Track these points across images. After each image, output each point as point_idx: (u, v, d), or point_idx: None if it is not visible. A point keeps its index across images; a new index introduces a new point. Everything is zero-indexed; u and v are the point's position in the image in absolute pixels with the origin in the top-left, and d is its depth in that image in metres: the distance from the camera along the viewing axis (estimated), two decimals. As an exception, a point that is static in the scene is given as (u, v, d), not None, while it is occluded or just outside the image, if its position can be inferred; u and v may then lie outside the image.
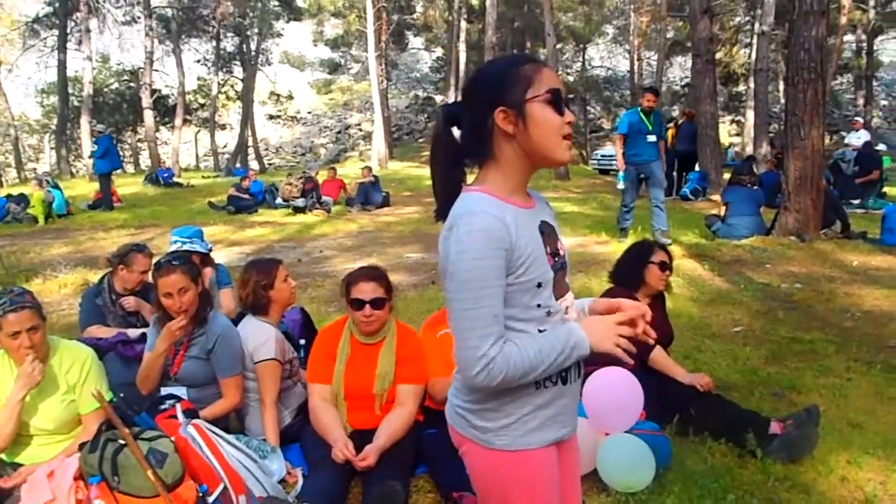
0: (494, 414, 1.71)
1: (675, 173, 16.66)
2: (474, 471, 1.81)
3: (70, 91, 34.71)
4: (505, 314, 1.62)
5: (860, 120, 18.65)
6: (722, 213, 10.56)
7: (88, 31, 29.80)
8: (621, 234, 9.99)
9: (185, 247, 4.92)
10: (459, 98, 1.77)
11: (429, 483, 3.36)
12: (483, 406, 1.72)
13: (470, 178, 1.76)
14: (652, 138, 9.39)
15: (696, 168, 16.85)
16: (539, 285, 1.65)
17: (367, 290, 3.52)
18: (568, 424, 1.80)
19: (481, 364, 1.57)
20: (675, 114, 21.76)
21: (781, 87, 26.98)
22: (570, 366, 1.70)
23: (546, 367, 1.62)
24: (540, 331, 1.67)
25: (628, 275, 4.22)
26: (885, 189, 14.75)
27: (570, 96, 1.78)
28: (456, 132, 1.74)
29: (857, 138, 16.77)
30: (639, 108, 9.63)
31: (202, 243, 5.15)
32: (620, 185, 9.69)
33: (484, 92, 1.69)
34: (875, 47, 35.88)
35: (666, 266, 4.14)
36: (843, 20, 30.11)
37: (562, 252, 1.77)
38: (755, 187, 10.65)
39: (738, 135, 34.22)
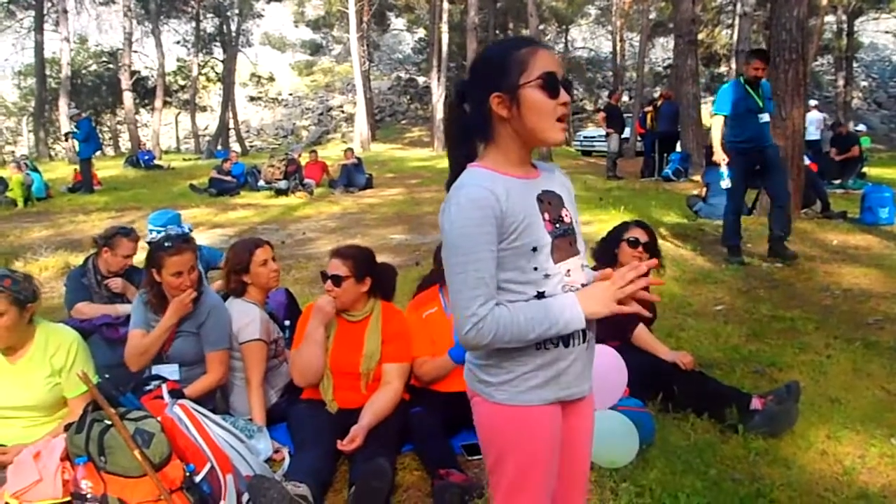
0: (496, 370, 1.81)
1: (655, 154, 16.72)
2: (478, 421, 1.91)
3: (48, 73, 34.22)
4: (503, 277, 1.74)
5: (814, 102, 18.65)
6: (703, 193, 10.62)
7: (66, 11, 29.43)
8: (731, 257, 7.49)
9: (171, 232, 4.93)
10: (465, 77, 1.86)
11: (415, 461, 3.39)
12: (486, 362, 1.83)
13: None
14: (765, 117, 7.20)
15: (678, 149, 16.92)
16: (534, 249, 1.75)
17: (331, 266, 3.59)
18: (572, 387, 1.86)
19: (471, 322, 1.68)
20: (656, 95, 21.75)
21: (763, 67, 27.05)
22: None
23: (539, 333, 1.72)
24: (539, 292, 1.77)
25: (604, 252, 4.24)
26: (865, 169, 14.89)
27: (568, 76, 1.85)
28: (466, 108, 1.84)
29: (809, 122, 16.74)
30: (742, 79, 7.36)
31: (179, 228, 5.15)
32: (726, 183, 7.34)
33: (482, 77, 1.80)
34: (855, 28, 36.07)
35: (637, 243, 4.12)
36: (824, 1, 30.17)
37: (567, 219, 1.85)
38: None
39: (719, 115, 34.28)
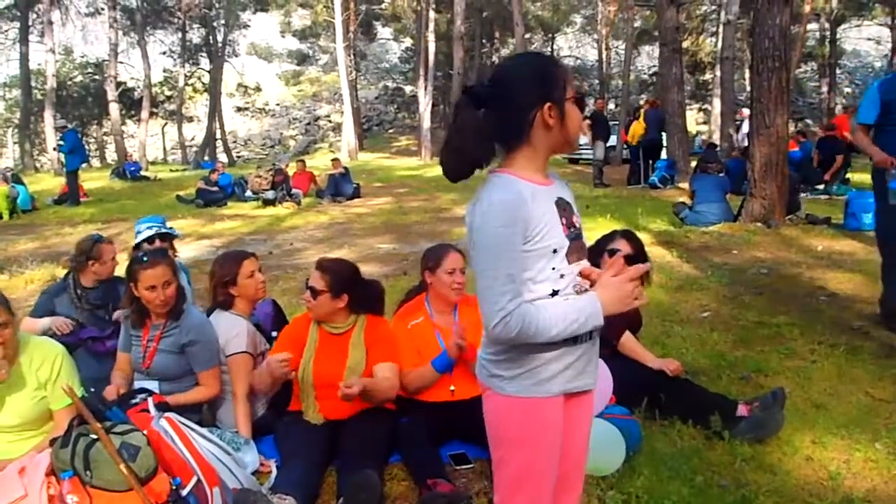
0: (509, 364, 1.94)
1: (640, 162, 16.79)
2: (488, 413, 2.04)
3: (33, 84, 34.15)
4: (523, 276, 1.86)
5: (746, 110, 18.76)
6: (689, 200, 10.68)
7: (51, 22, 29.35)
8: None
9: (162, 230, 4.93)
10: (488, 84, 1.93)
11: (403, 471, 3.38)
12: (500, 357, 1.95)
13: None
14: None
15: (663, 156, 17.00)
16: (555, 251, 1.90)
17: (312, 277, 3.58)
18: (577, 379, 1.99)
19: (499, 316, 1.80)
20: (642, 102, 21.86)
21: (747, 75, 27.25)
22: None
23: (560, 329, 1.84)
24: (554, 290, 1.91)
25: (590, 261, 4.24)
26: (849, 175, 14.98)
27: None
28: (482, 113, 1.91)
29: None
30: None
31: (166, 229, 5.14)
32: None
33: (531, 86, 1.90)
34: (838, 35, 36.42)
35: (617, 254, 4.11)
36: (807, 9, 30.50)
37: (577, 225, 2.01)
38: (721, 174, 10.78)
39: (705, 123, 34.55)
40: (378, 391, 3.44)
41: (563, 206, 1.96)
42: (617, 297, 1.89)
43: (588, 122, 18.06)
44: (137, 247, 4.76)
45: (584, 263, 1.99)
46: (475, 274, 1.87)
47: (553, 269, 1.90)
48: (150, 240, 4.84)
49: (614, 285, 1.90)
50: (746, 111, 18.24)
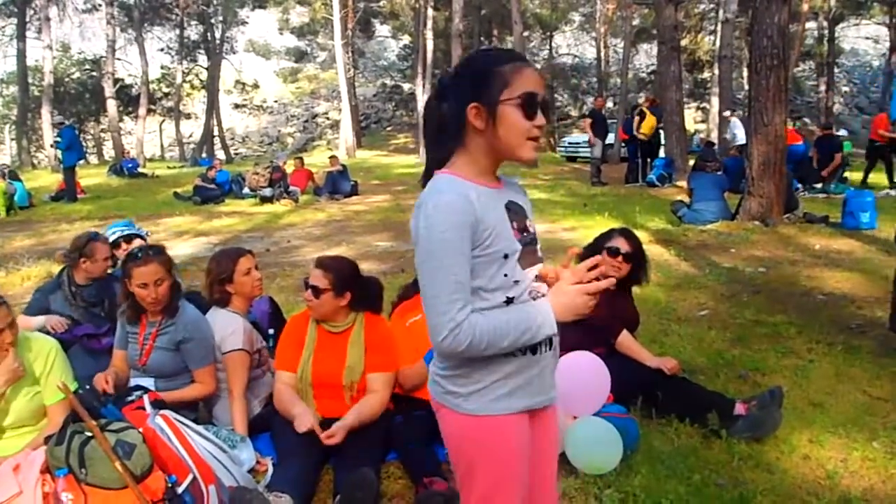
0: (464, 380, 1.81)
1: (638, 160, 16.80)
2: (445, 433, 1.90)
3: (30, 81, 34.09)
4: (474, 284, 1.74)
5: (727, 112, 18.85)
6: (687, 199, 10.68)
7: (48, 19, 29.26)
8: None
9: (127, 232, 5.12)
10: (450, 77, 1.86)
11: (399, 469, 3.38)
12: (454, 372, 1.82)
13: None
14: None
15: (661, 154, 17.01)
16: (506, 256, 1.76)
17: (312, 276, 3.55)
18: (539, 394, 1.88)
19: (448, 328, 1.68)
20: (641, 100, 21.87)
21: (746, 73, 27.26)
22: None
23: (512, 340, 1.73)
24: (508, 298, 1.78)
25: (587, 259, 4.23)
26: (847, 174, 15.00)
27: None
28: (444, 108, 1.83)
29: (735, 127, 16.86)
30: None
31: (139, 229, 5.28)
32: None
33: (464, 85, 1.79)
34: (836, 34, 36.48)
35: (617, 253, 4.08)
36: (805, 7, 30.53)
37: (531, 230, 1.88)
38: (719, 173, 10.79)
39: (703, 121, 34.56)
40: (366, 419, 3.42)
41: (514, 210, 1.83)
42: (570, 307, 1.77)
43: (588, 119, 18.12)
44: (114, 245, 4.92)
45: (540, 268, 1.87)
46: (419, 280, 1.75)
47: (505, 275, 1.77)
48: (127, 239, 5.00)
49: (570, 295, 1.78)
50: (727, 113, 18.44)
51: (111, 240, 4.96)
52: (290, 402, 3.49)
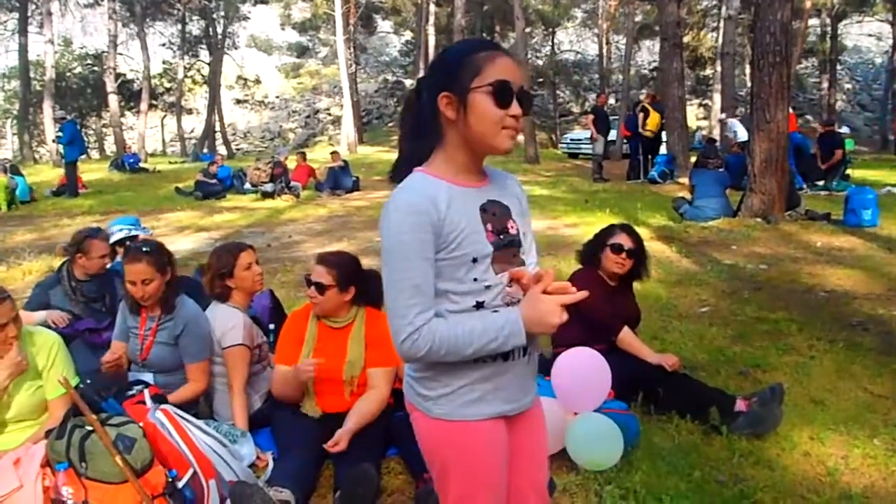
0: (433, 383, 1.76)
1: (640, 156, 16.78)
2: (418, 436, 1.85)
3: (32, 75, 34.02)
4: (441, 286, 1.69)
5: (724, 115, 18.85)
6: (689, 195, 10.68)
7: (50, 13, 29.24)
8: None
9: (132, 233, 5.13)
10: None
11: (399, 465, 3.38)
12: (423, 375, 1.78)
13: None
14: None
15: (663, 151, 16.98)
16: (474, 260, 1.70)
17: (315, 273, 3.54)
18: (514, 401, 1.82)
19: (406, 332, 1.63)
20: (642, 97, 21.84)
21: (748, 70, 27.22)
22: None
23: (476, 349, 1.66)
24: (478, 302, 1.72)
25: (589, 256, 4.24)
26: (849, 171, 14.98)
27: (537, 85, 1.79)
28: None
29: (734, 126, 16.85)
30: None
31: (141, 228, 5.29)
32: None
33: (436, 75, 1.75)
34: (839, 31, 36.39)
35: (621, 249, 4.09)
36: (808, 4, 30.45)
37: (512, 231, 1.79)
38: (721, 170, 10.78)
39: (705, 118, 34.54)
40: (367, 418, 3.43)
41: (492, 211, 1.75)
42: (538, 318, 1.64)
43: (590, 116, 18.10)
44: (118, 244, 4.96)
45: (518, 272, 1.76)
46: (383, 284, 1.70)
47: (475, 279, 1.70)
48: (132, 241, 5.01)
49: (540, 306, 1.64)
50: (723, 115, 18.43)
51: (113, 240, 4.95)
52: (285, 379, 3.52)
